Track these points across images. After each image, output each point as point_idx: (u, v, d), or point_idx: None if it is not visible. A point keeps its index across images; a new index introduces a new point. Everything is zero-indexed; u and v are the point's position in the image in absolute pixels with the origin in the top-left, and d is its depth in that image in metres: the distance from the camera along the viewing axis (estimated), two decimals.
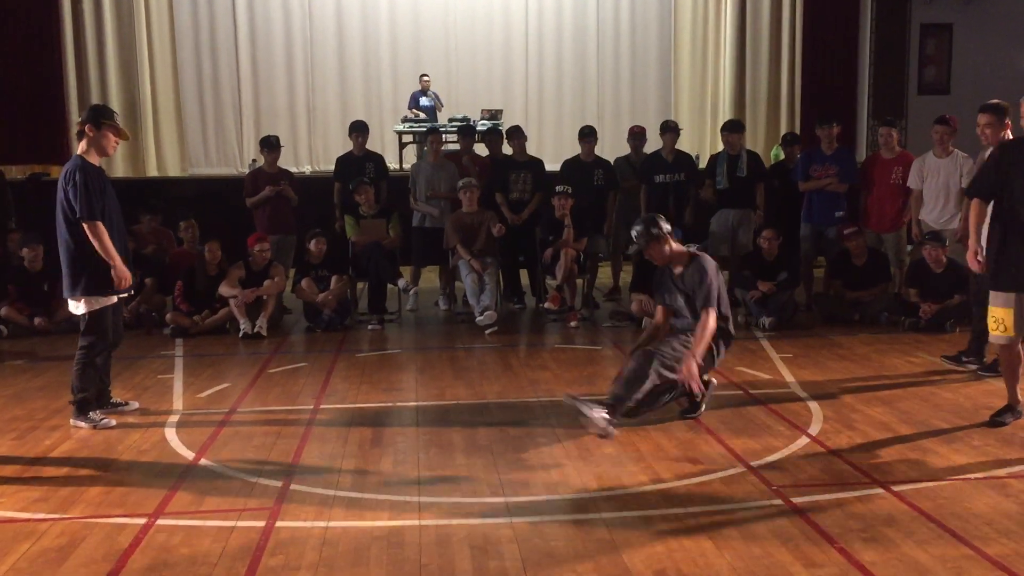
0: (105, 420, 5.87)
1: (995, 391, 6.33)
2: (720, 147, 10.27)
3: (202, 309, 8.72)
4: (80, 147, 5.82)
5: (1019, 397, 5.70)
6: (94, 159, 5.83)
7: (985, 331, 6.44)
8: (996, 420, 5.63)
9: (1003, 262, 5.44)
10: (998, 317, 5.46)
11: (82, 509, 4.49)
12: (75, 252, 5.76)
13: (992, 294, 5.51)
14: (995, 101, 6.42)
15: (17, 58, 12.81)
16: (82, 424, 5.82)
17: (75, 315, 6.03)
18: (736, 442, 5.34)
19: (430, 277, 10.65)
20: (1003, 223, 5.45)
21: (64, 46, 13.58)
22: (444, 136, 13.61)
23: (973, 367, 6.94)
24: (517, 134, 9.94)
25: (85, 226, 5.68)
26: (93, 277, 5.77)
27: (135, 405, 6.26)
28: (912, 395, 6.32)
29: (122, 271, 5.80)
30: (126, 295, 6.21)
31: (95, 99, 14.10)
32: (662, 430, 5.61)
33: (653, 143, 10.22)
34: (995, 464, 4.94)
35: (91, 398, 5.92)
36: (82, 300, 5.83)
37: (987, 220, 5.70)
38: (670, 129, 9.91)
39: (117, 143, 5.93)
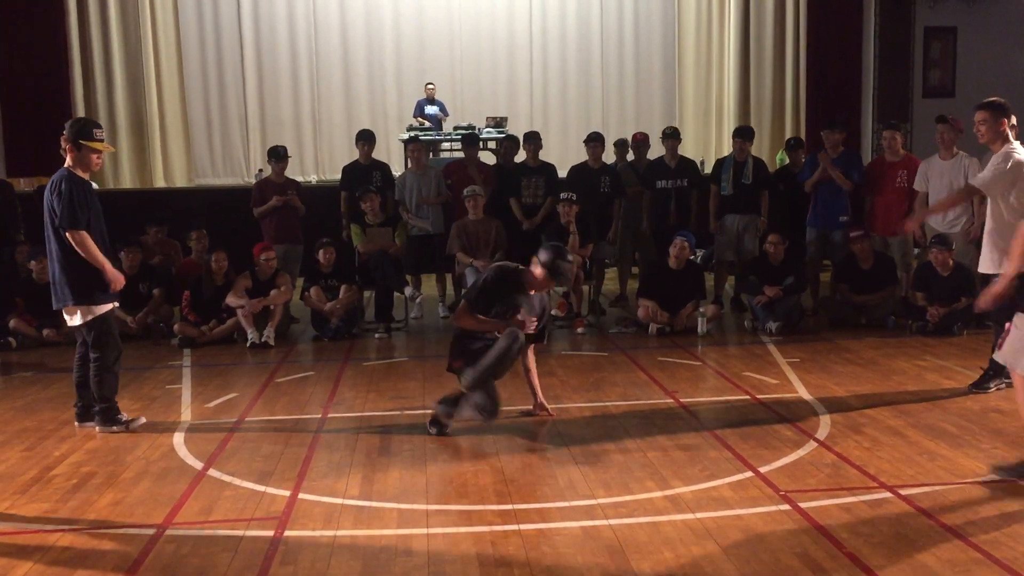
0: (136, 420, 5.99)
1: (1004, 395, 6.32)
2: (724, 152, 10.29)
3: (209, 319, 8.74)
4: (67, 161, 5.85)
5: None
6: (81, 173, 5.85)
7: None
8: None
9: None
10: None
11: (92, 520, 4.50)
12: (68, 261, 5.78)
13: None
14: (994, 98, 6.33)
15: (24, 71, 12.88)
16: (114, 429, 5.90)
17: (71, 326, 6.02)
18: (743, 447, 5.33)
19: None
20: None
21: (71, 59, 13.66)
22: (449, 144, 13.77)
23: (1003, 388, 6.45)
24: (533, 140, 9.99)
25: (69, 235, 5.70)
26: (88, 285, 5.78)
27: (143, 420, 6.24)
28: (920, 399, 6.31)
29: (113, 273, 5.84)
30: (117, 304, 6.21)
31: (102, 111, 14.21)
32: (669, 436, 5.62)
33: (657, 150, 10.26)
34: None
35: (115, 405, 6.00)
36: (78, 310, 5.83)
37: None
38: (669, 136, 9.97)
39: (100, 159, 5.94)
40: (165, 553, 4.09)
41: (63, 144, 5.84)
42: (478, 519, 4.40)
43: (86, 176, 5.89)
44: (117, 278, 5.87)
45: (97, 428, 5.97)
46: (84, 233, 5.72)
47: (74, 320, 5.90)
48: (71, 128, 5.84)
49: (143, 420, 6.03)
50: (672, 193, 9.75)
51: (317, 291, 8.98)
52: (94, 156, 5.84)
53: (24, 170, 12.83)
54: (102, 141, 5.90)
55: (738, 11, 15.11)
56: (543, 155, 10.26)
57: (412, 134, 13.88)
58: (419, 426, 5.95)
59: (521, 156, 10.25)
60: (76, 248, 5.72)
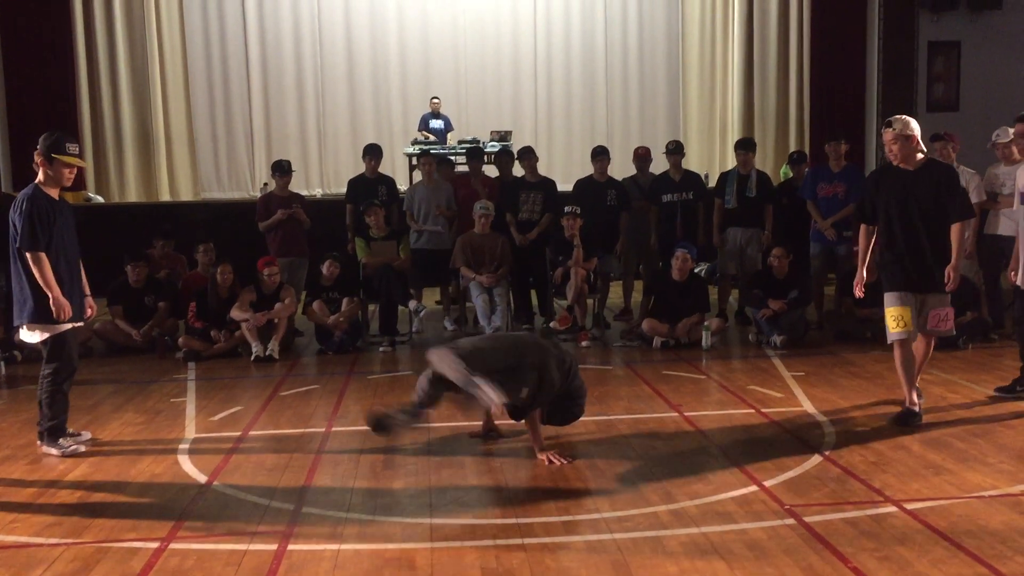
0: (74, 447, 5.81)
1: (1012, 408, 6.31)
2: (728, 166, 10.31)
3: (216, 326, 8.75)
4: (39, 176, 5.77)
5: (915, 399, 6.00)
6: (51, 190, 5.76)
7: None
8: (904, 423, 5.94)
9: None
10: (896, 315, 5.91)
11: (95, 533, 4.50)
12: (27, 280, 5.69)
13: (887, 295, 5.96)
14: None
15: (31, 86, 12.95)
16: (52, 451, 5.78)
17: (28, 344, 5.92)
18: (748, 461, 5.32)
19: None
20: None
21: (78, 73, 13.75)
22: (454, 158, 13.79)
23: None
24: (528, 155, 10.00)
25: (28, 256, 5.61)
26: (46, 305, 5.66)
27: (88, 435, 6.12)
28: (925, 413, 6.28)
29: (60, 301, 5.66)
30: (81, 323, 6.13)
31: (109, 126, 14.30)
32: (672, 449, 5.61)
33: (660, 164, 10.29)
34: (1009, 481, 4.92)
35: (61, 425, 5.88)
36: (36, 329, 5.76)
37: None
38: (673, 151, 10.01)
39: (72, 173, 5.82)
40: (169, 566, 4.08)
41: (36, 158, 5.75)
42: (482, 533, 4.39)
43: (56, 192, 5.79)
44: (62, 306, 5.67)
45: (43, 447, 5.84)
46: (42, 255, 5.62)
47: (31, 337, 5.81)
48: (44, 141, 5.73)
49: (82, 449, 5.83)
50: (678, 207, 9.76)
51: (319, 304, 9.00)
52: (66, 171, 5.74)
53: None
54: (75, 155, 5.80)
55: (742, 25, 15.17)
56: (544, 170, 10.27)
57: (418, 148, 13.96)
58: (423, 439, 5.95)
59: (519, 171, 10.26)
60: (32, 269, 5.62)
